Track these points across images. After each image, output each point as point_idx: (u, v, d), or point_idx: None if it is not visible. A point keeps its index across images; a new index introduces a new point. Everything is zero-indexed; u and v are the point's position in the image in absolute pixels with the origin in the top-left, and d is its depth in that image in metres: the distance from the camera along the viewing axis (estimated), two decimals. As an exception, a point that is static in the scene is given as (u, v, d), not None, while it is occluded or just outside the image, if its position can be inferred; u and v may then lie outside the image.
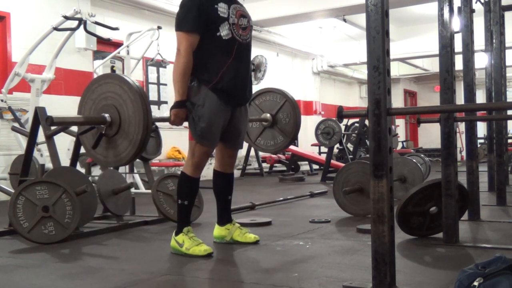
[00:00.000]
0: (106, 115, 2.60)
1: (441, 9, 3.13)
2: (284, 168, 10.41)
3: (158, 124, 5.81)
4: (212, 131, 3.02)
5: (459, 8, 4.06)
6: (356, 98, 17.00)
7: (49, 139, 4.02)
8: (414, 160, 5.77)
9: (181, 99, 2.96)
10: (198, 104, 2.99)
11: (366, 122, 8.76)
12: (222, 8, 3.02)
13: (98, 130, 2.63)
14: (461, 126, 11.05)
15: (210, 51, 3.01)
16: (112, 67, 7.61)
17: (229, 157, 3.32)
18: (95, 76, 7.57)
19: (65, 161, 4.86)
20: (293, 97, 3.72)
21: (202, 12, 2.96)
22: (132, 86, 2.54)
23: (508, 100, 9.38)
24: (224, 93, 3.02)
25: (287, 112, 3.64)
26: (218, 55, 3.02)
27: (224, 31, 3.01)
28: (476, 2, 4.87)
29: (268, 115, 3.65)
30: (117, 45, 7.73)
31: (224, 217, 3.37)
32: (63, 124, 2.80)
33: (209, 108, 2.99)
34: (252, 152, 10.07)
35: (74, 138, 4.63)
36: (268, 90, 3.79)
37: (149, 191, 5.01)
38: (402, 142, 15.57)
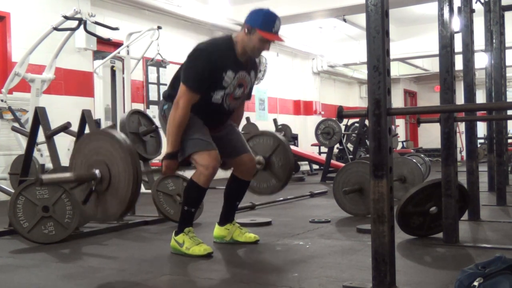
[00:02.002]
0: (97, 171, 2.61)
1: (441, 9, 3.13)
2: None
3: (158, 124, 5.80)
4: (207, 137, 3.06)
5: (459, 8, 4.06)
6: (356, 98, 17.00)
7: (49, 139, 4.02)
8: (414, 160, 5.77)
9: (174, 151, 3.00)
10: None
11: (366, 122, 8.76)
12: (228, 77, 3.04)
13: (88, 186, 2.64)
14: (461, 126, 11.06)
15: (197, 102, 3.04)
16: (112, 67, 7.61)
17: (243, 164, 3.28)
18: (95, 76, 7.58)
19: (65, 161, 4.85)
20: (287, 141, 3.73)
21: (210, 76, 2.99)
22: (123, 144, 2.55)
23: (508, 100, 9.38)
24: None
25: (280, 155, 3.65)
26: (202, 109, 3.06)
27: (216, 96, 3.06)
28: (476, 2, 4.87)
29: (262, 158, 3.66)
30: (117, 45, 7.73)
31: (226, 219, 3.38)
32: (54, 184, 2.80)
33: (194, 121, 3.05)
34: (252, 152, 10.06)
35: (74, 138, 4.63)
36: (262, 133, 3.81)
37: (149, 191, 5.01)
38: (402, 142, 15.57)
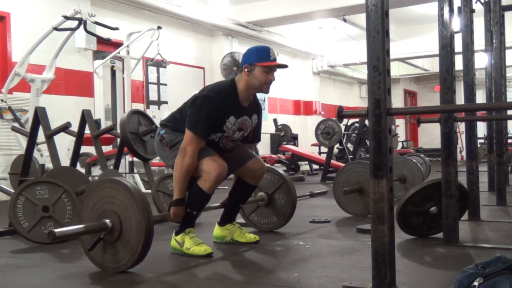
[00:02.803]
0: (107, 220, 2.62)
1: (441, 9, 3.13)
2: (284, 168, 10.41)
3: (158, 124, 5.80)
4: (208, 149, 3.05)
5: (459, 8, 4.06)
6: (356, 98, 17.01)
7: (49, 139, 4.02)
8: (414, 160, 5.77)
9: (181, 197, 3.00)
10: (179, 140, 3.04)
11: (366, 122, 8.76)
12: (229, 123, 3.05)
13: (97, 234, 2.64)
14: (461, 126, 11.06)
15: None
16: (112, 67, 7.61)
17: (252, 170, 3.27)
18: (95, 76, 7.58)
19: (65, 161, 4.86)
20: (291, 179, 3.73)
21: (215, 121, 3.00)
22: (135, 196, 2.56)
23: (508, 100, 9.39)
24: None
25: (283, 193, 3.66)
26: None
27: (213, 136, 3.08)
28: (476, 2, 4.87)
29: (264, 194, 3.67)
30: (117, 45, 7.74)
31: (227, 219, 3.38)
32: (66, 238, 2.81)
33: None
34: (252, 152, 10.06)
35: (74, 138, 4.64)
36: (267, 169, 3.80)
37: (149, 191, 5.01)
38: (402, 142, 15.57)
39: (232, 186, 3.39)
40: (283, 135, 11.58)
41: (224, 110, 3.01)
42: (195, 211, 3.09)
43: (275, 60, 3.05)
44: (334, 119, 9.16)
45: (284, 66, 3.10)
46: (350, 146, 10.62)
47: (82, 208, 2.74)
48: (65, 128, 4.14)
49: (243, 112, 3.11)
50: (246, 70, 3.03)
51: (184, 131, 3.00)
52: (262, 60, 3.01)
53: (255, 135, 3.35)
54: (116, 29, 6.61)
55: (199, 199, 3.05)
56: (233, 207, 3.40)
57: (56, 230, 2.47)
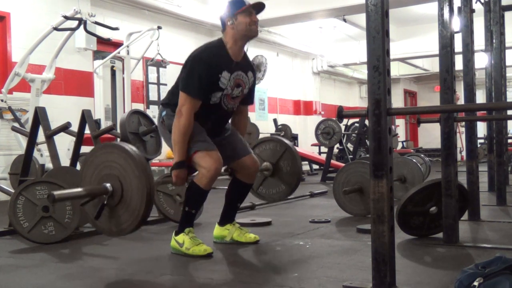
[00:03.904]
0: (108, 184, 2.60)
1: (441, 9, 3.13)
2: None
3: (158, 124, 5.80)
4: (208, 139, 3.06)
5: (459, 8, 4.06)
6: (356, 98, 17.00)
7: (49, 139, 4.02)
8: (414, 160, 5.77)
9: (181, 160, 3.00)
10: None
11: (366, 122, 8.76)
12: (224, 78, 3.06)
13: (100, 200, 2.63)
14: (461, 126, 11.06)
15: None
16: (112, 67, 7.61)
17: (246, 167, 3.28)
18: (95, 76, 7.58)
19: (65, 161, 4.86)
20: (293, 145, 3.72)
21: (207, 80, 3.01)
22: (137, 160, 2.54)
23: (508, 100, 9.38)
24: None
25: (288, 160, 3.64)
26: (201, 112, 3.06)
27: (214, 98, 3.08)
28: (476, 2, 4.87)
29: (269, 164, 3.65)
30: (117, 45, 7.74)
31: (227, 219, 3.38)
32: (66, 200, 2.80)
33: (195, 126, 3.05)
34: (252, 152, 10.06)
35: (74, 138, 4.63)
36: (268, 139, 3.80)
37: (149, 191, 5.01)
38: (402, 142, 15.56)
39: (228, 186, 3.39)
40: (283, 135, 11.58)
41: (216, 66, 3.03)
42: (193, 210, 3.09)
43: (249, 3, 3.11)
44: (334, 119, 9.16)
45: (262, 5, 3.14)
46: (350, 146, 10.62)
47: (82, 178, 2.72)
48: (65, 128, 4.14)
49: (236, 67, 3.12)
50: (229, 23, 3.10)
51: None
52: (240, 7, 3.08)
53: (249, 96, 3.34)
54: (116, 29, 6.61)
55: (197, 196, 3.07)
56: (231, 207, 3.40)
57: (55, 192, 2.46)
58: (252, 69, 3.28)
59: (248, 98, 3.34)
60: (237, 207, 3.44)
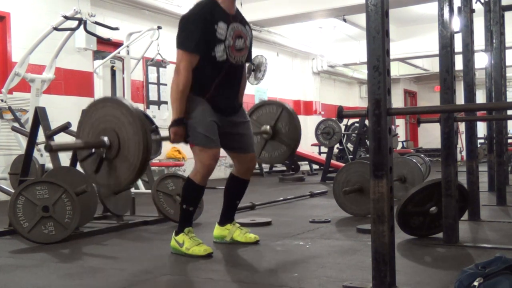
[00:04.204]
0: (105, 138, 2.61)
1: (441, 9, 3.13)
2: (284, 168, 10.41)
3: (158, 124, 5.81)
4: (210, 130, 3.03)
5: (459, 8, 4.05)
6: (356, 98, 17.00)
7: (49, 139, 4.02)
8: (414, 160, 5.77)
9: (179, 117, 3.00)
10: (192, 112, 3.02)
11: (366, 122, 8.76)
12: (220, 29, 3.03)
13: (98, 155, 2.63)
14: (461, 126, 11.06)
15: (203, 68, 3.04)
16: (112, 67, 7.61)
17: (244, 162, 3.29)
18: (95, 76, 7.58)
19: (65, 161, 4.86)
20: (290, 105, 3.72)
21: (202, 33, 2.99)
22: (130, 109, 2.55)
23: (508, 100, 9.38)
24: (214, 103, 3.08)
25: (285, 120, 3.65)
26: (211, 74, 3.05)
27: (219, 53, 3.04)
28: (476, 2, 4.87)
29: (268, 127, 3.66)
30: (117, 45, 7.73)
31: (227, 218, 3.38)
32: (64, 151, 2.81)
33: (202, 111, 3.03)
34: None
35: (74, 138, 4.63)
36: (263, 103, 3.80)
37: (149, 191, 5.01)
38: (402, 142, 15.57)
39: (226, 184, 3.39)
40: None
41: (211, 19, 3.01)
42: (191, 207, 3.10)
43: None
44: (334, 119, 9.16)
45: None
46: (350, 146, 10.63)
47: (80, 133, 2.73)
48: (65, 128, 4.13)
49: (231, 19, 3.10)
50: None
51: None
52: None
53: (249, 53, 3.32)
54: (116, 29, 6.61)
55: (193, 193, 3.08)
56: (230, 205, 3.40)
57: (52, 143, 2.46)
58: (247, 24, 3.26)
59: (248, 55, 3.33)
60: (236, 205, 3.44)
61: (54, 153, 2.49)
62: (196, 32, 2.98)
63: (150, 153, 2.59)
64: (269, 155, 3.73)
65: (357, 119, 10.42)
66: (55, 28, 5.99)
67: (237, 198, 3.41)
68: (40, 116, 3.99)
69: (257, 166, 10.26)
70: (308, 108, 13.91)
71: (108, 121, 2.61)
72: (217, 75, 3.07)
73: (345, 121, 11.01)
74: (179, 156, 8.86)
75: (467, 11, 4.04)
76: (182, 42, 3.01)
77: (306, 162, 10.56)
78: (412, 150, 12.79)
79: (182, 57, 2.99)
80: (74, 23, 6.03)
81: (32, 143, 4.05)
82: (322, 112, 14.14)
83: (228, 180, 3.39)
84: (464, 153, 4.44)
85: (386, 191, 2.03)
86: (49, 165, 5.03)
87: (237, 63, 3.15)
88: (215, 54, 3.03)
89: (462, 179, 3.74)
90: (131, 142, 2.54)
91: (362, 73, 15.47)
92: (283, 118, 3.64)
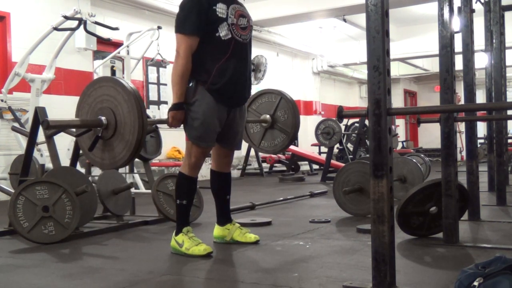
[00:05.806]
0: (103, 117, 2.63)
1: (441, 9, 3.13)
2: (284, 168, 10.41)
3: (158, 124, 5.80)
4: (207, 131, 3.03)
5: (459, 8, 4.06)
6: (356, 98, 17.01)
7: (49, 139, 4.02)
8: (414, 160, 5.76)
9: (179, 101, 2.99)
10: (194, 105, 3.01)
11: (366, 122, 8.76)
12: (220, 8, 3.02)
13: (94, 133, 2.64)
14: (461, 126, 11.06)
15: (209, 52, 3.02)
16: (112, 67, 7.61)
17: (225, 157, 3.31)
18: (95, 76, 7.58)
19: (65, 161, 4.86)
20: (288, 94, 3.74)
21: (201, 14, 2.98)
22: (126, 88, 2.56)
23: (508, 100, 9.39)
24: (221, 94, 3.04)
25: (284, 109, 3.67)
26: (217, 56, 3.03)
27: (223, 32, 3.02)
28: (476, 2, 4.87)
29: (267, 116, 3.67)
30: (117, 45, 7.73)
31: (224, 217, 3.37)
32: (60, 128, 2.83)
33: (204, 109, 3.01)
34: (252, 152, 10.08)
35: (74, 138, 4.64)
36: (263, 92, 3.82)
37: (149, 191, 5.01)
38: (402, 142, 15.57)
39: (210, 182, 3.39)
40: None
41: (208, 1, 2.99)
42: (184, 200, 3.10)
43: None
44: (334, 119, 9.16)
45: None
46: (350, 146, 10.62)
47: (79, 111, 2.75)
48: (65, 128, 4.14)
49: (230, 1, 3.09)
50: None
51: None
52: None
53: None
54: (116, 29, 6.61)
55: (185, 185, 3.12)
56: (221, 201, 3.38)
57: (50, 119, 2.48)
58: (245, 8, 3.24)
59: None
60: (227, 200, 3.40)
61: (51, 129, 2.50)
62: (193, 14, 2.97)
63: (146, 132, 2.61)
64: (269, 144, 3.75)
65: (357, 119, 10.42)
66: (55, 28, 5.99)
67: (225, 193, 3.39)
68: (40, 116, 3.99)
69: (257, 166, 10.28)
70: (308, 108, 13.91)
71: (105, 101, 2.64)
72: (223, 55, 3.03)
73: (345, 121, 11.01)
74: (179, 156, 8.87)
75: (467, 11, 4.04)
76: (180, 26, 3.00)
77: (306, 162, 10.56)
78: (412, 150, 12.79)
79: (181, 41, 2.98)
80: (74, 23, 6.03)
81: (32, 143, 4.05)
82: (322, 112, 14.15)
83: (211, 178, 3.39)
84: (464, 153, 4.44)
85: (386, 191, 2.03)
86: (49, 165, 5.03)
87: (243, 41, 3.12)
88: (219, 34, 3.01)
89: (462, 179, 3.74)
90: (127, 120, 2.56)
91: (362, 73, 15.47)
92: (282, 107, 3.67)
